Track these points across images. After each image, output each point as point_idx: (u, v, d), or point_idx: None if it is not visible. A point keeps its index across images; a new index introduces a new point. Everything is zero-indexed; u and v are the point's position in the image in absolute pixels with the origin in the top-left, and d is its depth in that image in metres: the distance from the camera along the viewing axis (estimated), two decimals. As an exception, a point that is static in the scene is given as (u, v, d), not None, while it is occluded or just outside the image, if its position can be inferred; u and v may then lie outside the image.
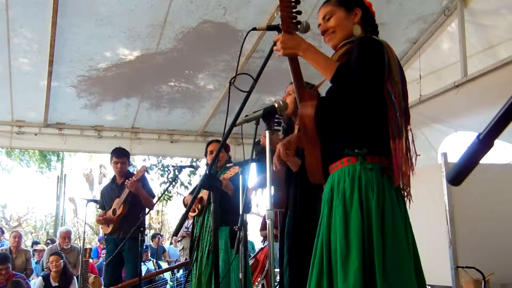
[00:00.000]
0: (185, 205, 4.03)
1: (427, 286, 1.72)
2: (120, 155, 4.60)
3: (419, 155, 1.77)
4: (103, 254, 8.78)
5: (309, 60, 1.76)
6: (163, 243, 11.51)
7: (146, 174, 4.62)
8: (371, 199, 1.63)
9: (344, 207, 1.65)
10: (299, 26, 1.79)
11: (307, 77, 2.04)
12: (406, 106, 1.79)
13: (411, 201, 1.76)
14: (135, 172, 4.60)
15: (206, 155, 3.98)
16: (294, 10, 1.73)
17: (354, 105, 1.76)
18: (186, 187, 10.24)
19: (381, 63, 1.71)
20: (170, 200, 11.95)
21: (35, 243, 10.87)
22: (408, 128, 1.77)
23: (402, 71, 1.82)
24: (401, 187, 1.71)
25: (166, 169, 10.20)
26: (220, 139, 4.11)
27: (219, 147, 2.11)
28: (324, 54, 1.77)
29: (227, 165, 3.70)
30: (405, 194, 1.74)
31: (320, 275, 1.68)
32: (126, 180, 4.30)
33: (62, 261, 5.45)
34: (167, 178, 10.17)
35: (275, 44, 1.81)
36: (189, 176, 10.49)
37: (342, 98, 1.80)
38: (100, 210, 4.84)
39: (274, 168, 2.15)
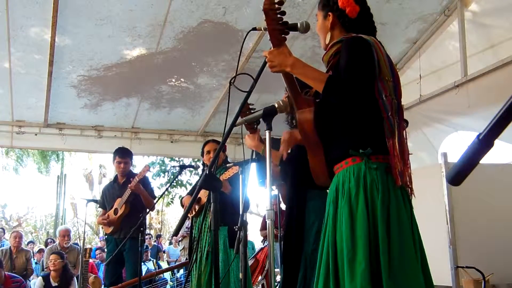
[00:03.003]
0: (183, 206, 4.02)
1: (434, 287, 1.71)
2: (124, 155, 4.59)
3: (411, 153, 1.77)
4: (97, 253, 8.79)
5: (298, 75, 1.77)
6: (162, 243, 11.49)
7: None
8: (376, 198, 1.63)
9: (350, 207, 1.65)
10: (298, 30, 1.79)
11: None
12: (399, 103, 1.78)
13: (414, 196, 1.76)
14: (136, 172, 4.59)
15: (202, 155, 3.96)
16: (280, 22, 1.72)
17: (350, 108, 1.75)
18: (185, 187, 10.27)
19: (371, 65, 1.70)
20: (172, 203, 11.98)
21: (30, 242, 10.79)
22: (402, 125, 1.76)
23: (394, 68, 1.81)
24: (404, 185, 1.71)
25: (166, 170, 10.25)
26: (218, 139, 4.10)
27: (219, 146, 2.11)
28: (312, 67, 1.76)
29: (227, 165, 3.70)
30: (409, 191, 1.74)
31: (327, 276, 1.68)
32: (130, 179, 4.30)
33: (62, 261, 5.43)
34: (167, 177, 10.21)
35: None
36: (190, 174, 10.51)
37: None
38: (100, 209, 4.83)
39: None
